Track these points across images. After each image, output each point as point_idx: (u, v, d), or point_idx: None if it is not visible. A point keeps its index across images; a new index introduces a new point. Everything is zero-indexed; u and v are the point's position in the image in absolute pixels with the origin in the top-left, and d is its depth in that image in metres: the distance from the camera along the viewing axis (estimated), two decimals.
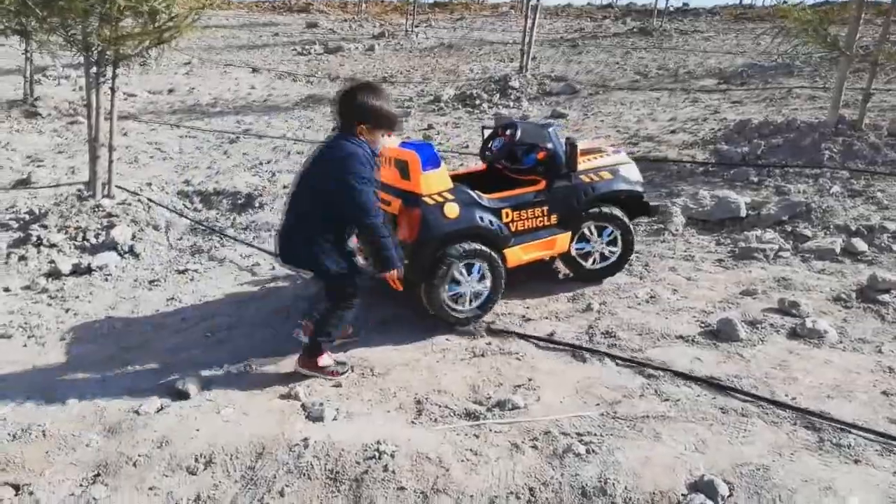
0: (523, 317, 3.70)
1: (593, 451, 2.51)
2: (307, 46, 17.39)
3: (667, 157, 6.56)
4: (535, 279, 4.14)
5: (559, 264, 4.25)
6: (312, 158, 3.05)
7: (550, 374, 3.10)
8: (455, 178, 3.78)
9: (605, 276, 4.08)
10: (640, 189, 4.06)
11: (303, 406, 2.93)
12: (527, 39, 11.52)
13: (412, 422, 2.79)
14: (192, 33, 5.74)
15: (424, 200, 3.43)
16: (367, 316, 3.76)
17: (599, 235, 4.00)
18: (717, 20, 19.99)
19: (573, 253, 3.98)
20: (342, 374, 3.22)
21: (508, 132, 4.06)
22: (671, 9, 21.10)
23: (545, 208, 3.81)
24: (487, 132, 4.31)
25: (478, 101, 10.04)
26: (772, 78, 10.37)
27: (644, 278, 4.11)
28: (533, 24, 11.56)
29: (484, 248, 3.57)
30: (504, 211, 3.69)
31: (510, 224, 3.71)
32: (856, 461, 2.43)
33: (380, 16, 25.05)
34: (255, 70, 14.44)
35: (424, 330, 3.60)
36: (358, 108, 2.94)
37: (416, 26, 20.80)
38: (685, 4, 22.27)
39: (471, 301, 3.63)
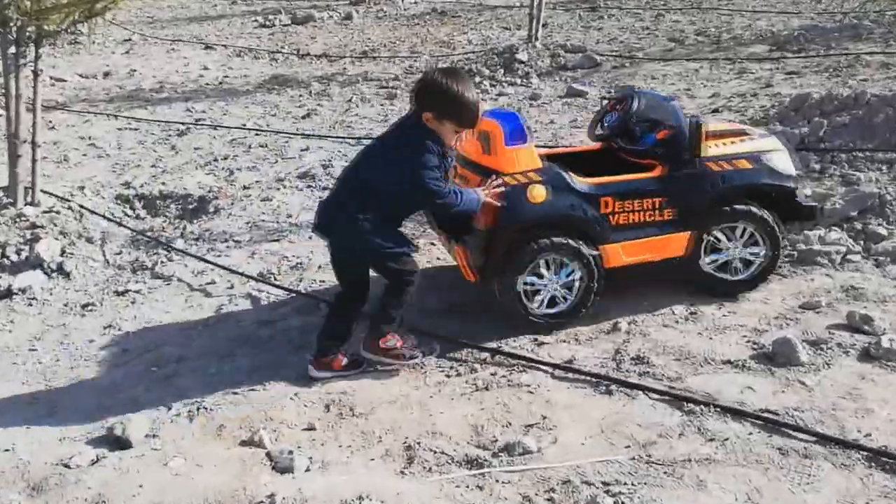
0: (535, 339, 3.70)
1: (623, 503, 2.50)
2: (271, 17, 17.44)
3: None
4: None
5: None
6: (381, 137, 3.58)
7: (569, 409, 3.10)
8: (556, 157, 3.95)
9: (740, 291, 3.98)
10: (790, 184, 3.92)
11: (268, 454, 2.93)
12: (536, 2, 11.56)
13: (401, 472, 2.78)
14: (131, 3, 5.76)
15: (506, 180, 3.52)
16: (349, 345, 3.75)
17: (738, 238, 3.89)
18: None
19: (706, 269, 3.91)
20: (414, 359, 3.48)
21: (623, 104, 4.05)
22: None
23: (658, 200, 3.77)
24: (606, 101, 4.35)
25: (478, 79, 10.05)
26: (836, 42, 10.36)
27: (682, 290, 4.10)
28: None
29: (575, 242, 3.62)
30: (604, 199, 3.69)
31: (610, 216, 3.72)
32: None
33: None
34: (208, 47, 14.47)
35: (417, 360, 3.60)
36: (427, 94, 3.25)
37: None
38: None
39: (550, 304, 3.74)
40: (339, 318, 3.60)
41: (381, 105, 9.46)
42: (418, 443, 2.94)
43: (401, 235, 3.49)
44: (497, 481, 2.69)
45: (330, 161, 7.03)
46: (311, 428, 3.11)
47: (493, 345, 3.66)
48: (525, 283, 3.65)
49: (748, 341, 3.54)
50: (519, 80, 10.09)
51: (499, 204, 3.49)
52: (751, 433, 2.86)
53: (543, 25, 12.61)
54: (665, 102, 4.03)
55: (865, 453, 2.69)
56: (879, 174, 5.35)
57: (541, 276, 3.67)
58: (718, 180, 3.79)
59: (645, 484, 2.61)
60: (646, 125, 3.92)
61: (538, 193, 3.54)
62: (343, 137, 7.89)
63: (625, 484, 2.62)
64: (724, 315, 3.81)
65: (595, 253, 3.67)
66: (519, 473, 2.71)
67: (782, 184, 3.89)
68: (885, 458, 2.66)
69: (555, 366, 3.44)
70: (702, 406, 3.03)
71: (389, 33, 15.21)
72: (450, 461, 2.83)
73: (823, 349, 3.40)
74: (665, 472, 2.66)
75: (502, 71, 10.44)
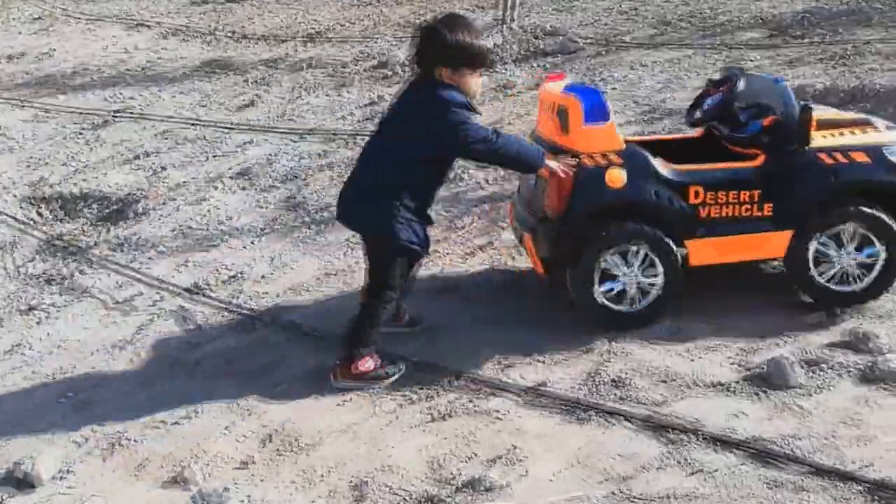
0: (503, 361, 3.72)
1: None
2: None
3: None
4: (520, 309, 4.18)
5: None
6: (392, 110, 3.68)
7: (540, 439, 3.12)
8: (649, 144, 4.04)
9: (846, 304, 3.92)
10: None
11: (199, 493, 2.91)
12: None
13: None
14: None
15: (582, 161, 3.61)
16: (289, 367, 3.75)
17: (852, 244, 3.82)
18: None
19: (817, 280, 3.87)
20: (392, 376, 3.60)
21: (727, 85, 4.07)
22: None
23: (757, 192, 3.79)
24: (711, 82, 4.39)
25: None
26: (841, 27, 10.59)
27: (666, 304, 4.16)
28: None
29: (659, 233, 3.70)
30: (693, 189, 3.74)
31: (699, 207, 3.77)
32: None
33: None
34: (135, 25, 14.34)
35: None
36: (436, 48, 3.38)
37: None
38: None
39: (637, 300, 3.83)
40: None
41: (329, 95, 9.45)
42: (369, 480, 2.95)
43: (424, 234, 3.64)
44: None
45: (274, 157, 7.00)
46: (247, 464, 3.09)
47: (455, 368, 3.66)
48: (600, 287, 3.75)
49: (738, 362, 3.59)
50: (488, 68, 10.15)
51: (564, 176, 3.58)
52: (741, 464, 2.89)
53: (520, 5, 12.72)
54: (775, 84, 4.01)
55: (865, 485, 2.75)
56: None
57: (624, 264, 3.76)
58: (830, 175, 3.77)
59: None
60: (752, 110, 3.95)
61: (617, 176, 3.63)
62: (288, 130, 7.87)
63: None
64: (713, 332, 3.86)
65: (680, 248, 3.76)
66: None
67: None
68: (887, 492, 2.72)
69: (524, 390, 3.46)
70: (687, 434, 3.07)
71: (339, 13, 15.19)
72: (405, 501, 2.84)
73: (820, 370, 3.46)
74: None
75: None
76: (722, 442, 3.02)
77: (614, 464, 2.95)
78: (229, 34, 13.52)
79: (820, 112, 3.90)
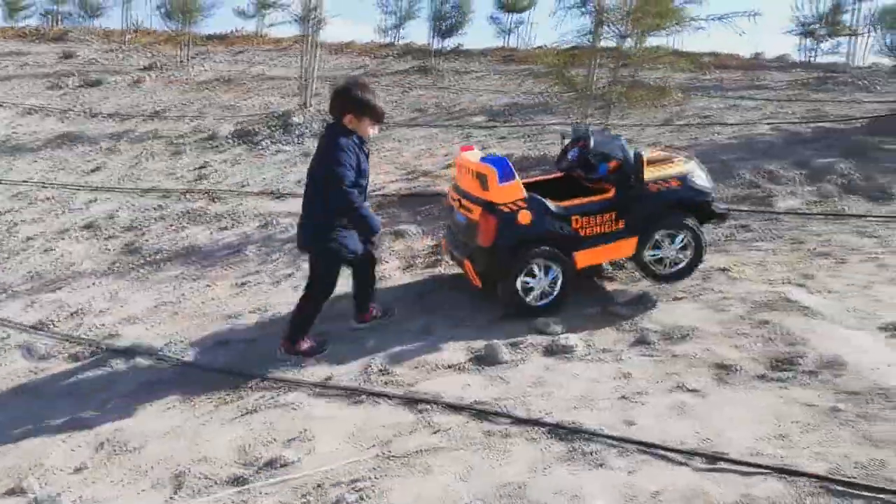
0: (298, 362, 3.58)
1: (365, 497, 2.47)
2: (62, 78, 15.56)
3: (442, 192, 6.89)
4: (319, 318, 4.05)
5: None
6: (315, 151, 3.58)
7: (326, 421, 3.02)
8: (532, 184, 4.16)
9: (676, 280, 4.31)
10: (707, 197, 4.27)
11: (36, 500, 2.52)
12: (307, 75, 11.47)
13: (169, 499, 2.53)
14: None
15: (500, 209, 3.82)
16: (122, 384, 3.37)
17: (672, 242, 4.19)
18: (487, 60, 21.73)
19: (647, 260, 4.20)
20: (324, 350, 3.64)
21: (583, 142, 4.35)
22: (447, 49, 22.49)
23: (613, 214, 4.08)
24: (566, 141, 4.62)
25: (258, 138, 9.72)
26: (532, 115, 11.43)
27: (419, 310, 4.21)
28: (313, 59, 11.54)
29: (556, 250, 3.92)
30: (574, 217, 4.00)
31: (580, 229, 4.01)
32: (599, 465, 2.68)
33: (150, 46, 23.32)
34: None
35: (191, 391, 3.32)
36: (345, 100, 3.42)
37: (192, 58, 19.71)
38: (459, 45, 23.89)
39: (539, 298, 3.99)
40: (358, 286, 3.89)
41: (169, 159, 8.79)
42: (187, 470, 2.70)
43: (341, 246, 3.52)
44: (259, 494, 2.54)
45: (116, 212, 6.37)
46: (82, 469, 2.73)
47: (261, 372, 3.48)
48: (521, 285, 3.92)
49: (467, 348, 3.69)
50: (295, 140, 9.89)
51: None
52: (467, 422, 2.96)
53: (316, 94, 12.53)
54: (614, 141, 4.30)
55: (547, 428, 2.91)
56: None
57: (534, 277, 3.94)
58: (657, 198, 4.11)
59: (385, 476, 2.60)
60: (599, 157, 4.24)
61: (525, 217, 3.84)
62: (130, 189, 7.20)
63: (368, 479, 2.59)
64: (452, 327, 3.95)
65: (570, 259, 3.99)
66: (278, 485, 2.58)
67: (702, 197, 4.24)
68: (561, 430, 2.89)
69: (315, 384, 3.34)
70: (431, 404, 3.10)
71: (179, 96, 14.22)
72: (216, 483, 2.63)
73: (520, 349, 3.64)
74: (401, 464, 2.68)
75: (280, 131, 10.18)
76: (455, 407, 3.08)
77: (380, 432, 2.92)
78: (82, 112, 12.20)
79: (647, 154, 4.22)
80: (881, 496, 2.52)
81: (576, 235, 4.04)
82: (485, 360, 3.50)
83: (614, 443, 2.80)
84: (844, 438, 2.86)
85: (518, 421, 2.95)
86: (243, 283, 4.71)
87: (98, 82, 15.34)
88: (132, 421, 3.07)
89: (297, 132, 10.13)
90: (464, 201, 4.14)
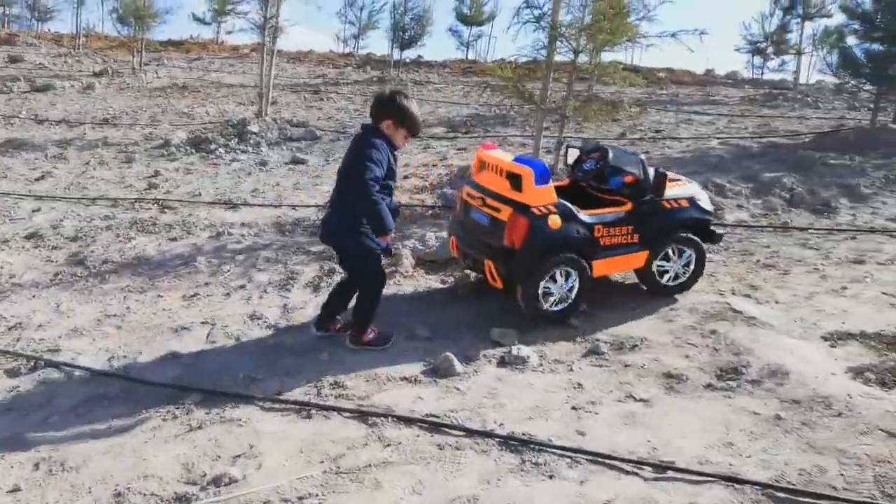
0: (249, 376, 3.50)
1: None
2: (8, 83, 15.05)
3: (399, 203, 6.88)
4: (263, 337, 3.98)
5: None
6: (348, 150, 3.60)
7: (274, 437, 2.96)
8: None
9: (676, 293, 4.49)
10: (710, 217, 4.54)
11: None
12: (265, 83, 11.35)
13: None
14: None
15: (532, 211, 3.85)
16: (62, 400, 3.25)
17: (679, 257, 4.40)
18: (447, 72, 21.88)
19: (654, 269, 4.36)
20: (389, 342, 3.78)
21: (600, 154, 4.49)
22: (407, 60, 22.57)
23: (631, 227, 4.21)
24: (572, 151, 4.76)
25: (213, 146, 9.55)
26: (490, 127, 11.56)
27: (376, 322, 4.16)
28: (270, 67, 11.43)
29: (577, 257, 4.00)
30: (597, 226, 4.09)
31: (601, 238, 4.11)
32: (550, 476, 2.69)
33: (102, 51, 22.76)
34: None
35: (135, 407, 3.22)
36: (390, 108, 3.51)
37: (146, 64, 19.31)
38: (420, 57, 24.02)
39: (557, 304, 4.05)
40: (339, 292, 3.93)
41: (120, 168, 8.56)
42: (128, 488, 2.61)
43: (373, 243, 3.58)
44: None
45: (61, 221, 6.15)
46: (16, 490, 2.61)
47: (209, 387, 3.39)
48: (541, 290, 3.97)
49: (421, 359, 3.68)
50: (251, 149, 9.76)
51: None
52: (418, 435, 2.95)
53: (273, 103, 12.40)
54: (633, 157, 4.44)
55: (499, 440, 2.92)
56: None
57: (555, 282, 3.99)
58: (671, 215, 4.31)
59: (333, 492, 2.57)
60: (613, 170, 4.36)
61: (555, 221, 3.90)
62: (77, 198, 6.98)
63: (316, 495, 2.55)
64: (406, 340, 3.93)
65: (589, 265, 4.07)
66: (224, 502, 2.51)
67: (705, 217, 4.49)
68: (513, 441, 2.90)
69: (264, 399, 3.27)
70: (382, 418, 3.07)
71: (132, 103, 13.90)
72: (159, 501, 2.54)
73: (473, 361, 3.64)
74: (350, 479, 2.64)
75: (236, 140, 10.03)
76: (407, 420, 3.06)
77: (330, 447, 2.87)
78: (30, 118, 11.81)
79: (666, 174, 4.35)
80: (821, 502, 2.59)
81: (596, 244, 4.13)
82: (438, 372, 3.50)
83: (565, 454, 2.82)
84: (788, 446, 2.95)
85: (470, 433, 2.95)
86: (193, 295, 4.60)
87: (46, 87, 14.88)
88: (72, 438, 2.95)
89: (253, 141, 10.00)
90: (488, 200, 4.09)
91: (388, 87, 3.69)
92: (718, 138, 10.13)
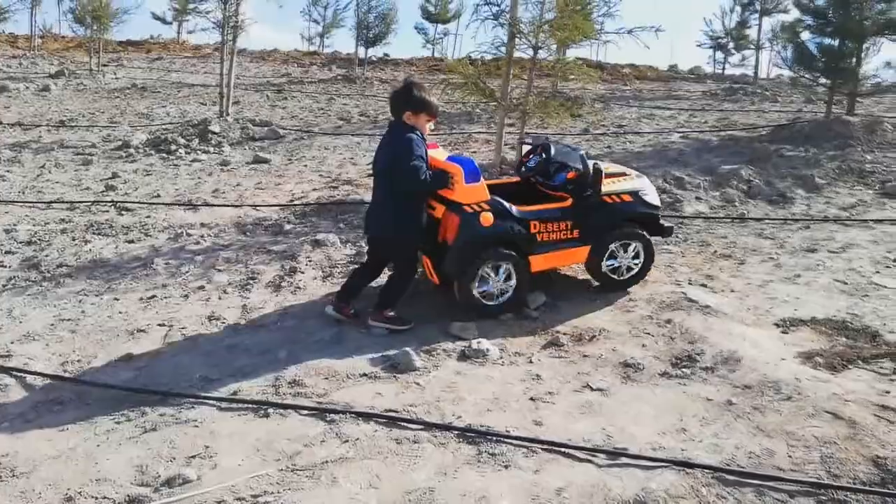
0: (205, 377, 3.47)
1: None
2: None
3: (363, 200, 6.87)
4: (218, 337, 3.95)
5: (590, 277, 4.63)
6: (379, 147, 3.94)
7: (230, 436, 2.93)
8: (493, 186, 4.19)
9: (630, 286, 4.55)
10: (656, 212, 4.55)
11: None
12: (226, 83, 11.22)
13: None
14: None
15: (464, 209, 3.92)
16: (13, 406, 3.18)
17: (625, 251, 4.43)
18: (413, 70, 21.86)
19: (604, 269, 4.42)
20: (410, 324, 3.98)
21: (542, 149, 4.57)
22: (373, 58, 22.50)
23: (569, 223, 4.25)
24: (525, 147, 4.82)
25: (174, 147, 9.41)
26: (456, 124, 11.61)
27: (335, 319, 4.16)
28: (231, 66, 11.30)
29: (512, 252, 4.04)
30: (532, 222, 4.13)
31: (537, 234, 4.15)
32: (506, 467, 2.73)
33: (59, 52, 22.22)
34: None
35: (89, 411, 3.17)
36: (405, 99, 3.81)
37: (105, 65, 18.92)
38: (385, 55, 23.96)
39: (497, 297, 4.12)
40: (352, 282, 4.16)
41: (76, 170, 8.38)
42: (80, 492, 2.56)
43: (413, 229, 3.92)
44: None
45: (14, 226, 6.00)
46: None
47: (165, 389, 3.35)
48: (477, 289, 4.04)
49: (381, 355, 3.67)
50: (212, 149, 9.65)
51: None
52: (376, 431, 2.96)
53: (236, 102, 12.27)
54: (574, 152, 4.46)
55: (456, 432, 2.94)
56: None
57: (487, 281, 4.05)
58: (611, 210, 4.34)
59: (289, 490, 2.56)
60: (558, 166, 4.41)
61: (486, 218, 3.94)
62: (32, 202, 6.81)
63: (272, 493, 2.54)
64: (363, 336, 3.93)
65: (526, 262, 4.12)
66: (177, 503, 2.49)
67: (651, 212, 4.51)
68: (470, 433, 2.93)
69: (220, 399, 3.25)
70: (341, 414, 3.07)
71: (90, 104, 13.63)
72: None
73: (433, 355, 3.66)
74: (307, 476, 2.64)
75: (197, 140, 9.91)
76: (365, 416, 3.06)
77: (287, 446, 2.86)
78: None
79: (604, 167, 4.38)
80: (770, 483, 2.67)
81: (532, 240, 4.17)
82: (398, 367, 3.51)
83: (521, 444, 2.86)
84: (739, 430, 3.03)
85: (428, 427, 2.97)
86: (151, 297, 4.53)
87: (1, 90, 14.49)
88: (22, 444, 2.89)
89: (214, 141, 9.89)
90: (430, 200, 4.16)
91: (402, 81, 3.98)
92: (679, 132, 10.32)
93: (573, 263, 4.57)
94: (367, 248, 4.22)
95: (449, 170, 3.95)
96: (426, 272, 4.23)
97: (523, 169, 4.79)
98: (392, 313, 4.00)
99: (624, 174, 4.61)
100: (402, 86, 3.90)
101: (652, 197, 4.59)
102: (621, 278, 4.54)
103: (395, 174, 3.77)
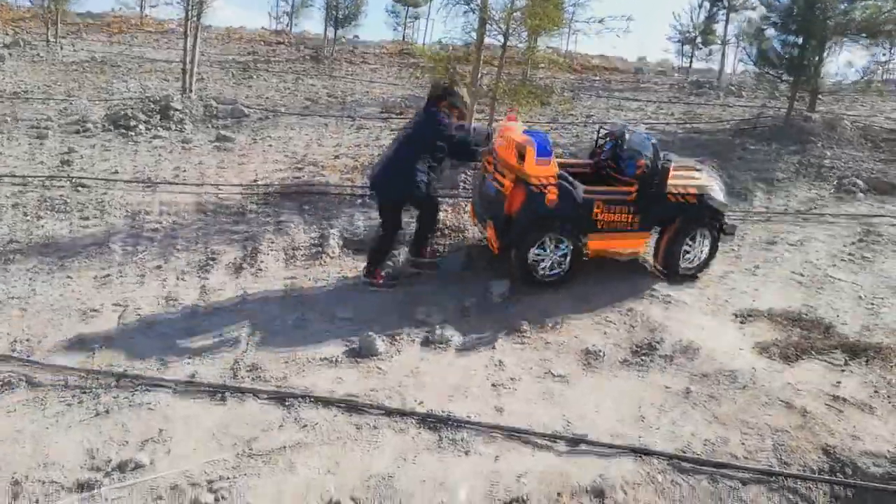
0: (161, 359, 3.38)
1: (223, 497, 2.39)
2: None
3: (328, 183, 6.76)
4: (176, 319, 3.86)
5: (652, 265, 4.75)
6: (412, 123, 4.45)
7: (185, 421, 2.87)
8: (564, 166, 4.40)
9: (696, 274, 4.65)
10: (722, 210, 4.59)
11: None
12: (189, 59, 10.90)
13: None
14: None
15: (531, 184, 4.08)
16: None
17: (694, 242, 4.54)
18: (384, 53, 21.62)
19: (674, 251, 4.50)
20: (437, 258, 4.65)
21: (617, 137, 4.69)
22: (343, 40, 22.16)
23: (632, 210, 4.33)
24: (602, 132, 4.96)
25: (133, 123, 9.11)
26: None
27: (296, 304, 4.11)
28: (195, 42, 10.98)
29: (572, 230, 4.20)
30: (596, 204, 4.25)
31: (599, 216, 4.28)
32: (466, 453, 2.73)
33: (14, 23, 21.32)
34: None
35: (38, 393, 3.06)
36: (444, 94, 4.34)
37: (63, 37, 18.22)
38: (356, 37, 23.62)
39: (550, 269, 4.28)
40: (379, 248, 4.45)
41: (30, 144, 8.05)
42: (27, 476, 2.49)
43: (434, 189, 4.40)
44: (107, 500, 2.38)
45: None
46: None
47: (120, 370, 3.26)
48: (533, 257, 4.20)
49: (343, 340, 3.64)
50: (174, 126, 9.37)
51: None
52: (335, 416, 2.93)
53: (200, 79, 11.93)
54: (648, 141, 4.52)
55: (418, 417, 2.93)
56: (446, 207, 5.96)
57: (545, 248, 4.21)
58: (676, 206, 4.43)
59: (245, 475, 2.52)
60: (631, 154, 4.44)
61: (553, 194, 4.09)
62: None
63: (227, 479, 2.50)
64: (327, 321, 3.89)
65: (584, 241, 4.27)
66: (129, 488, 2.43)
67: (716, 211, 4.55)
68: (430, 419, 2.92)
69: (177, 382, 3.17)
70: (300, 399, 3.03)
71: (45, 77, 13.10)
72: (60, 489, 2.44)
73: (397, 340, 3.64)
74: (263, 462, 2.60)
75: (158, 117, 9.60)
76: (325, 401, 3.03)
77: (244, 430, 2.81)
78: None
79: (674, 163, 4.42)
80: (723, 470, 2.73)
81: (593, 221, 4.30)
82: (360, 352, 3.47)
83: (482, 430, 2.86)
84: (695, 418, 3.08)
85: (389, 412, 2.95)
86: (105, 277, 4.40)
87: None
88: None
89: (176, 118, 9.60)
90: (498, 169, 4.40)
91: (446, 79, 4.68)
92: (646, 124, 10.42)
93: (629, 250, 4.68)
94: (380, 214, 4.49)
95: (522, 144, 4.14)
96: (489, 240, 4.43)
97: (597, 155, 4.88)
98: (428, 257, 4.57)
99: (694, 171, 4.71)
100: (448, 84, 4.54)
101: (719, 197, 4.63)
102: (690, 267, 4.63)
103: (431, 148, 4.23)
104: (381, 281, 4.39)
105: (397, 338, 3.67)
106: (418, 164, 4.24)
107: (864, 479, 2.70)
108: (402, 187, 4.26)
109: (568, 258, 4.30)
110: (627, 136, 4.70)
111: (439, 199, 4.62)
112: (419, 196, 4.29)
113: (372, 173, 4.52)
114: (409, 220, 4.77)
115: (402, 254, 4.79)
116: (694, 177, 4.62)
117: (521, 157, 4.17)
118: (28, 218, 5.47)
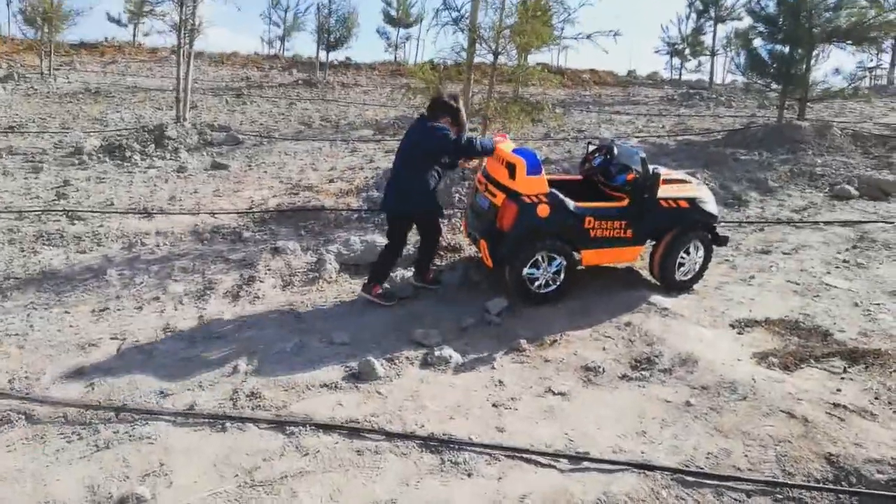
0: (160, 390, 3.38)
1: None
2: None
3: (324, 207, 6.80)
4: (175, 350, 3.85)
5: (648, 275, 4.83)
6: (409, 135, 4.43)
7: (186, 452, 2.86)
8: (554, 182, 4.48)
9: (691, 285, 4.71)
10: (713, 221, 4.66)
11: None
12: (182, 87, 10.99)
13: None
14: None
15: (523, 199, 4.15)
16: None
17: (687, 254, 4.59)
18: (375, 74, 21.79)
19: (669, 263, 4.55)
20: (439, 283, 4.74)
21: (606, 150, 4.74)
22: (335, 62, 22.35)
23: (624, 222, 4.40)
24: (592, 147, 5.03)
25: (128, 153, 9.16)
26: None
27: (294, 329, 4.11)
28: (188, 70, 11.07)
29: (565, 245, 4.26)
30: (587, 218, 4.30)
31: (591, 230, 4.33)
32: (469, 475, 2.72)
33: (8, 55, 21.48)
34: None
35: (38, 429, 3.05)
36: (448, 109, 4.36)
37: (57, 68, 18.35)
38: (348, 59, 23.82)
39: (545, 286, 4.33)
40: (383, 263, 4.53)
41: (26, 178, 8.08)
42: None
43: (438, 202, 4.45)
44: None
45: None
46: None
47: (119, 403, 3.24)
48: (527, 275, 4.24)
49: (342, 365, 3.64)
50: (168, 155, 9.42)
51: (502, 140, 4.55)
52: (337, 442, 2.91)
53: (193, 107, 12.01)
54: (636, 154, 4.59)
55: (418, 441, 2.92)
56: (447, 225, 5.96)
57: (538, 268, 4.26)
58: (667, 215, 4.48)
59: None
60: (620, 167, 4.55)
61: (543, 210, 4.15)
62: None
63: None
64: (325, 346, 3.88)
65: (577, 254, 4.34)
66: None
67: (708, 220, 4.63)
68: (432, 442, 2.91)
69: (176, 414, 3.16)
70: (300, 427, 3.02)
71: (40, 109, 13.18)
72: None
73: (396, 363, 3.63)
74: (265, 492, 2.59)
75: (153, 146, 9.65)
76: (325, 427, 3.02)
77: (245, 460, 2.80)
78: None
79: (664, 173, 4.52)
80: (727, 483, 2.72)
81: (586, 234, 4.35)
82: (360, 376, 3.47)
83: (484, 451, 2.85)
84: (696, 431, 3.08)
85: (389, 436, 2.94)
86: (103, 309, 4.40)
87: None
88: None
89: (171, 146, 9.66)
90: (490, 186, 4.46)
91: (447, 93, 4.49)
92: (637, 137, 10.49)
93: (624, 262, 4.73)
94: (388, 228, 4.60)
95: (512, 161, 4.19)
96: (483, 256, 4.47)
97: (587, 167, 4.95)
98: (431, 275, 4.70)
99: (684, 181, 4.76)
100: (448, 97, 4.43)
101: (710, 206, 4.68)
102: (685, 278, 4.69)
103: (433, 157, 4.31)
104: (379, 292, 4.48)
105: (396, 360, 3.67)
106: (426, 175, 4.32)
107: (869, 487, 2.69)
108: (416, 200, 4.35)
109: (562, 274, 4.35)
110: (616, 150, 4.77)
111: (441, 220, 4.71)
112: (432, 207, 4.40)
113: (383, 194, 4.61)
114: (410, 242, 4.84)
115: (400, 277, 4.82)
116: (684, 187, 4.68)
117: (512, 173, 4.23)
118: (24, 252, 5.47)
